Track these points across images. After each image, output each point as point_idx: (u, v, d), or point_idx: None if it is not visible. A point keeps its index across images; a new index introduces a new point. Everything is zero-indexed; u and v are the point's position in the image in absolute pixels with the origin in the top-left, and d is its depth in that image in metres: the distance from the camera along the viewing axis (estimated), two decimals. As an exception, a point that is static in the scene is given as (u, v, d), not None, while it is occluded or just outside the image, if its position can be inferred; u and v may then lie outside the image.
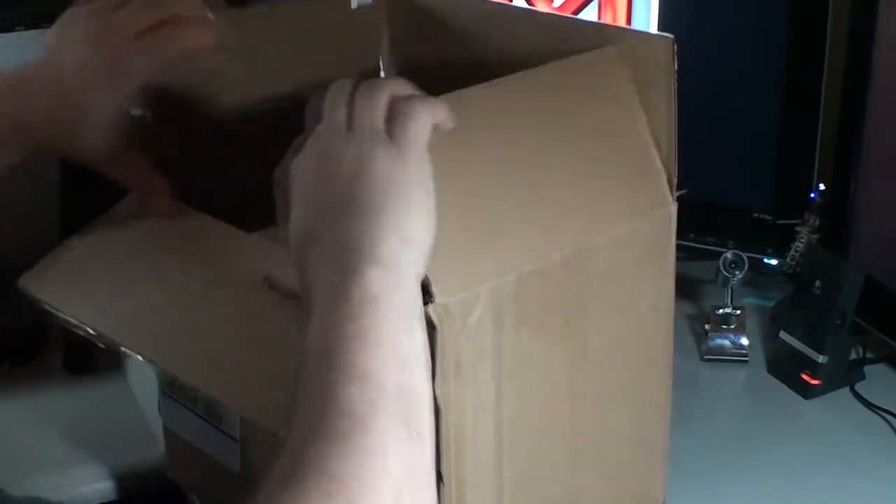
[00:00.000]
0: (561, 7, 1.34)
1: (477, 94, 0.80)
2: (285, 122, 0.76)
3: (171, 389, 1.03)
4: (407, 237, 0.67)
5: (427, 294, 0.72)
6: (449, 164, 0.73)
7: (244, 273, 0.84)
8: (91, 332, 0.88)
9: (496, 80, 0.81)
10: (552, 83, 0.86)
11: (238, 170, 0.94)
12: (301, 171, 0.70)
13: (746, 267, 1.26)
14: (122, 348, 0.85)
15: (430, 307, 0.73)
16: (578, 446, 0.88)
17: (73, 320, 0.89)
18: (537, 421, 0.87)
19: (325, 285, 0.65)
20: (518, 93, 0.84)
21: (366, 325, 0.63)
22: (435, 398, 0.73)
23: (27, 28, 1.60)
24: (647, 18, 1.30)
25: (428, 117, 0.71)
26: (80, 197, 1.57)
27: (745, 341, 1.25)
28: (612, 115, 0.88)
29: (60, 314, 0.91)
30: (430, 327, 0.74)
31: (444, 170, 0.72)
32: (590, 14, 1.32)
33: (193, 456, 1.04)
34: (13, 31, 1.60)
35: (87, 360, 1.39)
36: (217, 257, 0.87)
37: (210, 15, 0.88)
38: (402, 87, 0.73)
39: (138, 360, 0.86)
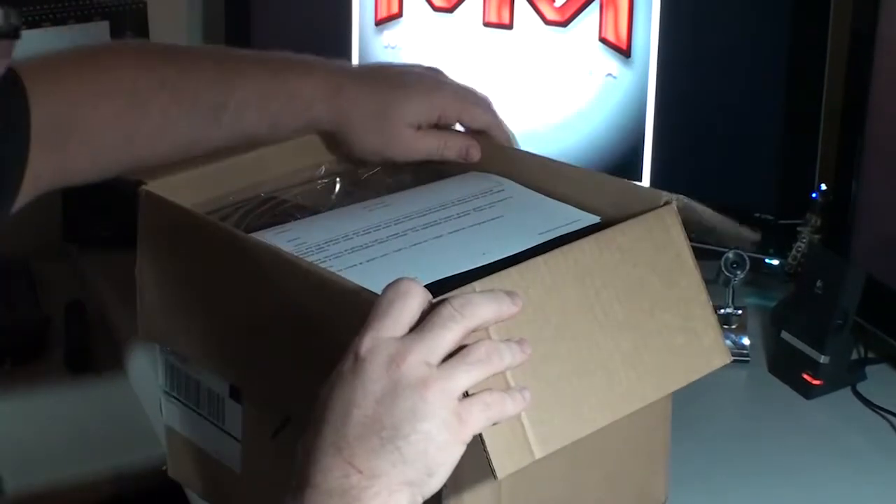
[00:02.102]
0: (562, 7, 1.34)
1: (540, 265, 0.82)
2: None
3: (173, 389, 1.03)
4: (417, 482, 0.71)
5: None
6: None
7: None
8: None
9: (558, 250, 0.84)
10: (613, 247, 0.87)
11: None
12: (340, 380, 0.72)
13: (748, 267, 1.25)
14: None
15: None
16: (578, 445, 0.88)
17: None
18: None
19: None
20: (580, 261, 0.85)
21: None
22: None
23: (29, 27, 1.60)
24: (649, 19, 1.30)
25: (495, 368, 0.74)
26: (81, 198, 1.58)
27: (746, 341, 1.25)
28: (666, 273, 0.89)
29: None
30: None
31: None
32: (591, 15, 1.32)
33: (195, 456, 1.04)
34: (14, 30, 1.59)
35: (89, 358, 1.39)
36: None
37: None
38: (480, 317, 0.74)
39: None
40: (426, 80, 1.05)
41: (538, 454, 0.77)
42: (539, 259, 0.82)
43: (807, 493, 1.06)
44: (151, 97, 0.99)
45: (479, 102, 1.05)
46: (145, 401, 1.28)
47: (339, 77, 1.03)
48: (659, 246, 0.89)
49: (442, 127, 1.04)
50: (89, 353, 1.40)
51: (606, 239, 0.87)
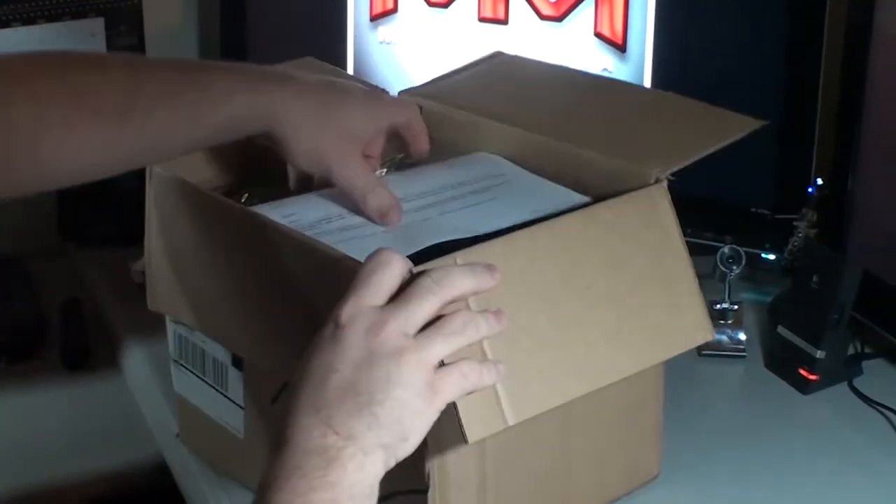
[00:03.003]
0: (557, 2, 1.33)
1: (529, 237, 0.84)
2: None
3: (182, 358, 1.05)
4: (391, 446, 0.74)
5: None
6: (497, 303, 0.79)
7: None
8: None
9: (547, 223, 0.86)
10: (600, 223, 0.89)
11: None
12: (321, 345, 0.75)
13: (744, 262, 1.25)
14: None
15: None
16: (567, 416, 0.89)
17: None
18: None
19: (306, 461, 0.72)
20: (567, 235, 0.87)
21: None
22: None
23: (24, 24, 1.60)
24: (644, 13, 1.29)
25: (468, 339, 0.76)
26: (78, 196, 1.57)
27: (742, 336, 1.25)
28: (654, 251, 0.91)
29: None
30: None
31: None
32: (586, 10, 1.32)
33: (203, 423, 1.06)
34: (9, 26, 1.59)
35: (85, 356, 1.39)
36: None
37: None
38: (458, 288, 0.76)
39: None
40: (368, 91, 1.00)
41: (511, 421, 0.79)
42: (522, 232, 0.84)
43: (803, 488, 1.06)
44: (50, 103, 0.91)
45: (417, 117, 1.02)
46: (141, 399, 1.28)
47: (268, 80, 0.95)
48: (646, 223, 0.90)
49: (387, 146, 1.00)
50: (86, 350, 1.40)
51: (592, 214, 0.88)
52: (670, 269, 0.90)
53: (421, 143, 1.02)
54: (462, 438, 0.77)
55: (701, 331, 0.91)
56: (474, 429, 0.78)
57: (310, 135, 0.93)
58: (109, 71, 0.93)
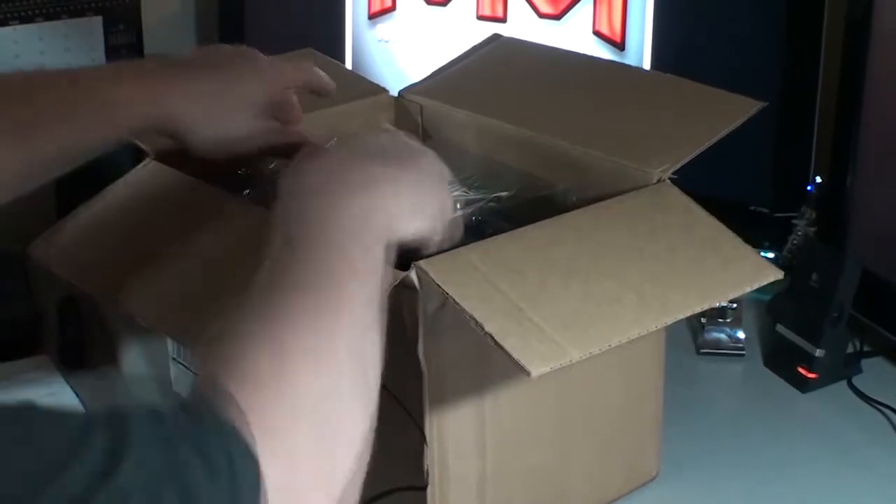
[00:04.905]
0: (554, 1, 1.33)
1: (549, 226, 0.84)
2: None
3: (179, 355, 1.04)
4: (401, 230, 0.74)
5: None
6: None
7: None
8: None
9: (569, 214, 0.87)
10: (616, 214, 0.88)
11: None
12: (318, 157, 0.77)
13: (743, 260, 1.25)
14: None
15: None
16: (566, 414, 0.88)
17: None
18: (522, 388, 0.87)
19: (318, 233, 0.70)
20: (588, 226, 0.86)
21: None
22: (418, 361, 0.80)
23: (22, 22, 1.60)
24: (643, 11, 1.29)
25: None
26: (75, 193, 1.57)
27: (741, 335, 1.25)
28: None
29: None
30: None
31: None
32: (584, 8, 1.32)
33: None
34: (7, 25, 1.59)
35: (82, 354, 1.38)
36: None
37: None
38: None
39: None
40: (256, 61, 1.00)
41: (575, 356, 0.74)
42: (533, 226, 0.84)
43: (801, 486, 1.05)
44: None
45: (302, 60, 1.04)
46: (139, 397, 1.27)
47: (158, 77, 0.95)
48: (664, 208, 0.90)
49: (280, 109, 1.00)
50: (82, 348, 1.39)
51: (603, 207, 0.88)
52: (706, 234, 0.87)
53: (326, 89, 1.02)
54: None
55: (767, 270, 0.87)
56: (536, 365, 0.72)
57: (207, 127, 0.95)
58: (7, 86, 0.93)
